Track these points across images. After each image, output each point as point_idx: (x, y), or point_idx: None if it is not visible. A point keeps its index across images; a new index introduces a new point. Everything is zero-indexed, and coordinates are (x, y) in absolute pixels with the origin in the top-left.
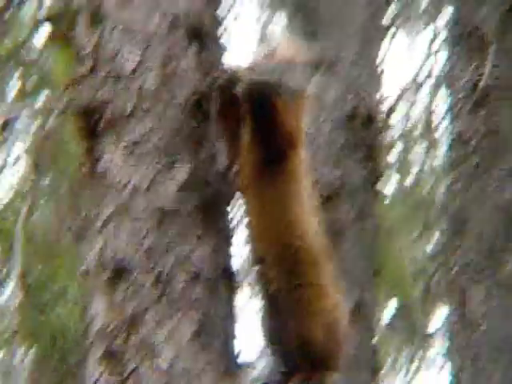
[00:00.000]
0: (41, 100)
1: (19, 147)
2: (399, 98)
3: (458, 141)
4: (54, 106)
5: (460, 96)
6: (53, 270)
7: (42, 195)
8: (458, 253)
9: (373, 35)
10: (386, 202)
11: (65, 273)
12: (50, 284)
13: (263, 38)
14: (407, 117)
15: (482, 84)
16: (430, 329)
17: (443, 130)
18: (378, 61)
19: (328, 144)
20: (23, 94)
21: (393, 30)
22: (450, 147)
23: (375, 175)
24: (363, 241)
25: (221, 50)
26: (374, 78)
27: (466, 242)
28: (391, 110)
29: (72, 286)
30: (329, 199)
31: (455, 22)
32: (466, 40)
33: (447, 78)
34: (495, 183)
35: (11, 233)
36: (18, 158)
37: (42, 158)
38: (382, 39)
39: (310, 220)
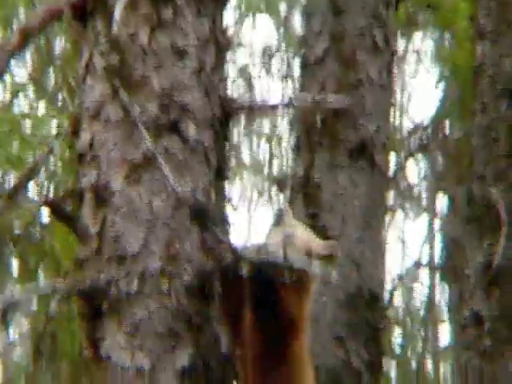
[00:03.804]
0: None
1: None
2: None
3: (471, 322)
4: (57, 287)
5: (473, 277)
6: None
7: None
8: None
9: (375, 215)
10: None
11: None
12: None
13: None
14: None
15: (495, 263)
16: None
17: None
18: (380, 240)
19: (331, 324)
20: (25, 274)
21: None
22: (462, 328)
23: (379, 357)
24: None
25: (226, 228)
26: (378, 256)
27: None
28: (394, 290)
29: None
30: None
31: (467, 202)
32: (478, 219)
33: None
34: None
35: None
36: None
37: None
38: (384, 219)
39: None
